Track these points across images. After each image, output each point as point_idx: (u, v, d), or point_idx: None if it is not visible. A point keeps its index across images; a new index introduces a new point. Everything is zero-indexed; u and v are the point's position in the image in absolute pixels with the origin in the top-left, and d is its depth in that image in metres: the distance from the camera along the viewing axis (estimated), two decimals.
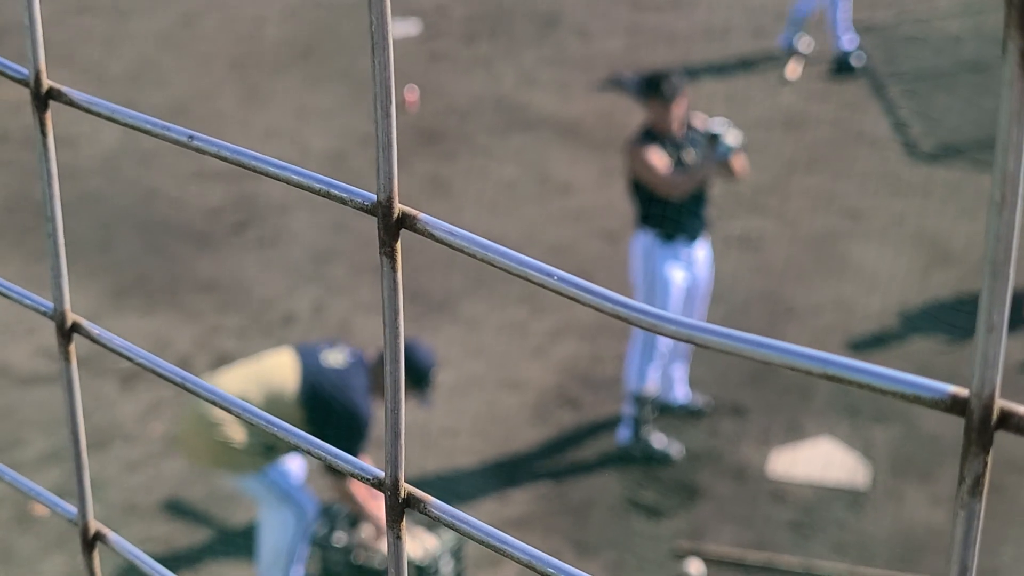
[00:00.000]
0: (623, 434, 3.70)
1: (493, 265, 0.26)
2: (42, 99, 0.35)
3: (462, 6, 7.31)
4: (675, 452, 3.63)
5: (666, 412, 3.79)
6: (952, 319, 4.24)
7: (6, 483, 0.45)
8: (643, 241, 3.57)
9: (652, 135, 3.50)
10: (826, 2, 6.51)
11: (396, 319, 0.27)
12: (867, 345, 4.16)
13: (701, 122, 3.61)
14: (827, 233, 5.00)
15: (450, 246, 0.26)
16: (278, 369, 2.89)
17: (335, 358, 2.94)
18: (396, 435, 0.28)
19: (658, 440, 3.64)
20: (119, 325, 4.24)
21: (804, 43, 6.56)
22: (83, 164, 5.51)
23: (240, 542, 3.41)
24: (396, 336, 0.28)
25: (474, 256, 0.26)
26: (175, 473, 3.70)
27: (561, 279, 0.24)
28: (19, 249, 5.06)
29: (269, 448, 2.83)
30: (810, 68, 6.48)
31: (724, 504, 3.53)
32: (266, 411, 0.33)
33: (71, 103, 0.35)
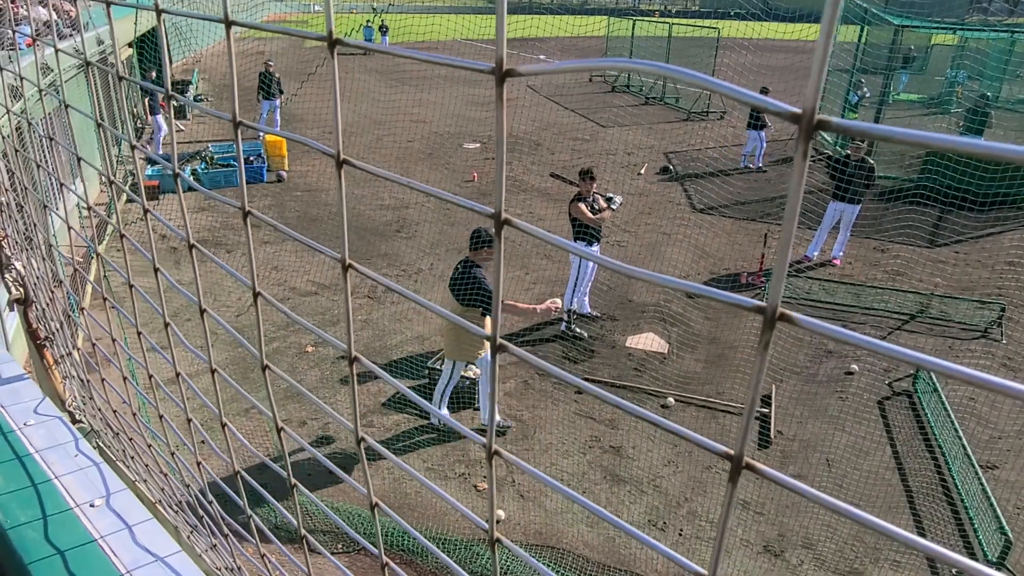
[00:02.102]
0: (563, 325, 7.93)
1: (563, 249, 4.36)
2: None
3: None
4: (585, 334, 7.90)
5: (581, 317, 8.08)
6: (710, 285, 9.04)
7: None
8: (578, 244, 7.82)
9: (581, 197, 7.75)
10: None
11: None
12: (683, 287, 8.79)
13: (602, 192, 7.98)
14: (655, 243, 9.76)
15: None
16: None
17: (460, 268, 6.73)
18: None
19: (577, 329, 7.90)
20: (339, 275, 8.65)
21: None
22: (331, 199, 11.44)
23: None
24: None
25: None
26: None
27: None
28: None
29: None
30: (650, 168, 12.03)
31: (605, 358, 7.84)
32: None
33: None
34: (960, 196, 10.69)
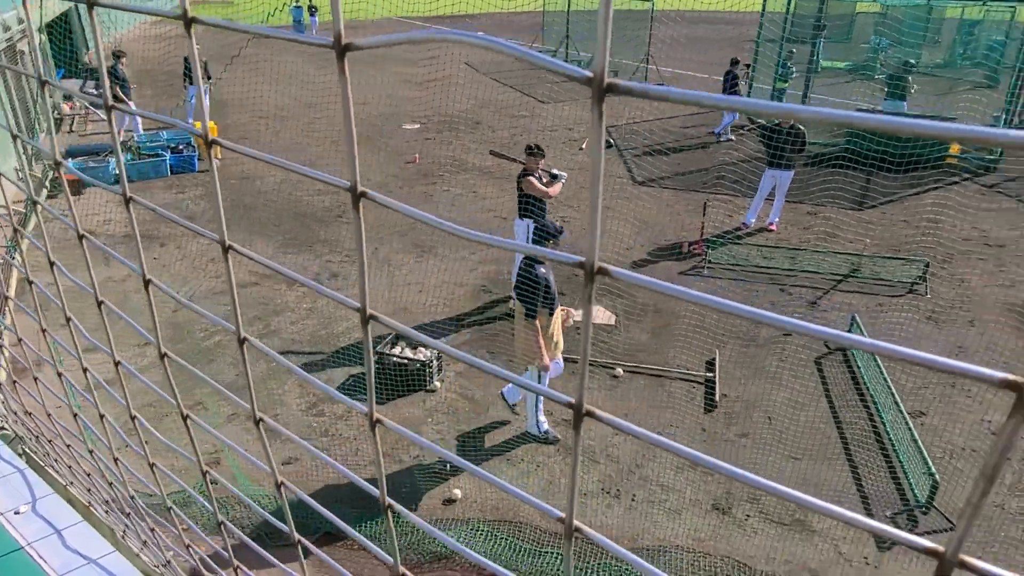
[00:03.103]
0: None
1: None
2: (599, 93, 0.46)
3: (438, 117, 15.27)
4: None
5: None
6: (653, 256, 9.20)
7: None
8: (524, 221, 7.82)
9: (528, 172, 7.76)
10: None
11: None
12: (631, 256, 8.95)
13: (546, 168, 8.00)
14: None
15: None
16: None
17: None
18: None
19: None
20: (286, 258, 8.37)
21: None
22: (266, 187, 11.12)
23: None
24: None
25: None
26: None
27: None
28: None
29: None
30: (592, 142, 12.25)
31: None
32: None
33: (631, 92, 2.32)
34: (883, 159, 11.13)
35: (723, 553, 4.86)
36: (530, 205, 7.65)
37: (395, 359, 6.52)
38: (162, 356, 0.96)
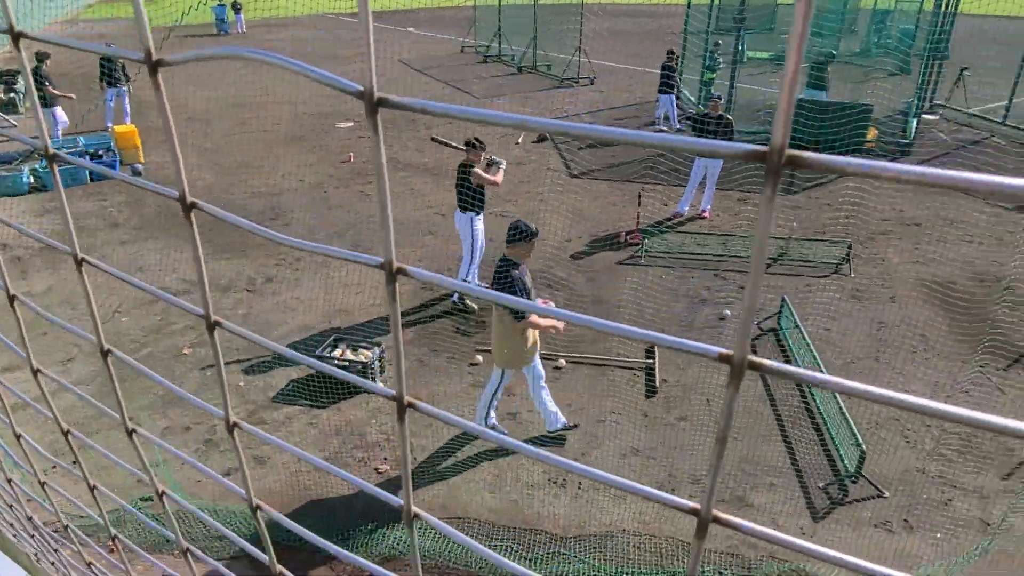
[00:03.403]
0: (455, 296, 7.95)
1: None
2: (371, 107, 0.49)
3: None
4: (476, 307, 7.97)
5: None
6: (590, 247, 9.31)
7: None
8: (467, 215, 7.78)
9: (470, 165, 7.72)
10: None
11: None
12: (569, 248, 9.02)
13: (486, 156, 8.00)
14: (535, 211, 9.93)
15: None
16: None
17: None
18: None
19: (468, 302, 7.95)
20: (219, 264, 8.04)
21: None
22: (196, 191, 10.36)
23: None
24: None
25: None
26: None
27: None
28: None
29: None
30: (526, 137, 12.07)
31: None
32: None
33: (402, 107, 0.50)
34: (808, 144, 11.56)
35: (668, 534, 4.99)
36: (472, 197, 7.63)
37: (336, 361, 6.42)
38: (105, 354, 0.91)
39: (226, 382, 0.75)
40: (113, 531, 0.96)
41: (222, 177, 11.66)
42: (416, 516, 0.65)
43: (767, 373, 0.43)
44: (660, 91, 14.13)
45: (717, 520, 0.50)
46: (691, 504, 0.49)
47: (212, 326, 0.66)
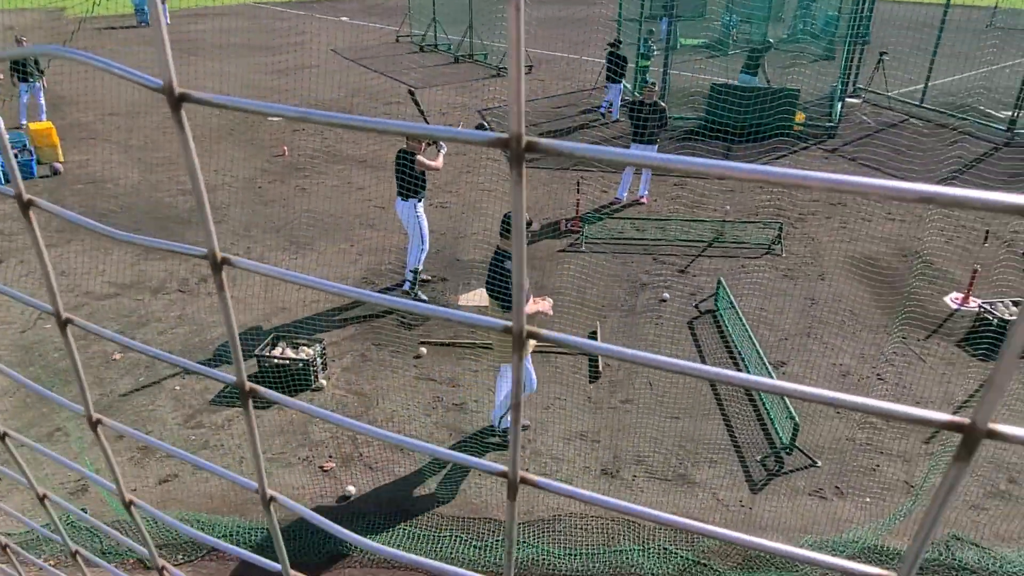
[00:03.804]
0: (406, 285, 7.87)
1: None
2: (175, 102, 0.46)
3: (305, 105, 15.48)
4: (425, 298, 7.92)
5: (418, 280, 8.08)
6: (534, 236, 9.38)
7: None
8: (409, 202, 7.69)
9: (411, 152, 7.59)
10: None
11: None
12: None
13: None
14: (477, 201, 9.91)
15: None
16: None
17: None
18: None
19: (420, 293, 7.89)
20: (148, 265, 7.85)
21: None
22: (122, 190, 10.29)
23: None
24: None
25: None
26: None
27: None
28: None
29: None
30: (465, 127, 11.82)
31: (440, 320, 7.95)
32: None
33: (207, 103, 0.48)
34: (740, 130, 11.89)
35: (614, 515, 5.09)
36: (414, 183, 7.55)
37: (276, 360, 6.29)
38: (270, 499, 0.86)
39: (84, 376, 0.73)
40: (73, 546, 0.91)
41: (149, 175, 11.22)
42: (272, 499, 0.67)
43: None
44: (608, 80, 14.28)
45: (524, 481, 0.53)
46: (500, 467, 0.52)
47: (64, 324, 0.65)
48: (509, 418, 5.83)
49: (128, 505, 0.82)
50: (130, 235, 0.60)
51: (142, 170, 11.43)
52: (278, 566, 0.75)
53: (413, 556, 0.64)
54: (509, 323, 0.49)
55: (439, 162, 7.54)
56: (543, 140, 0.43)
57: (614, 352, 0.48)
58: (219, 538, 4.75)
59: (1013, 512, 5.12)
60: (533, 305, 5.29)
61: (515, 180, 0.43)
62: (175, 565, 4.56)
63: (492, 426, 5.87)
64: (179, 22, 27.31)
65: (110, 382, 6.37)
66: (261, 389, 0.62)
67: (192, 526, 4.57)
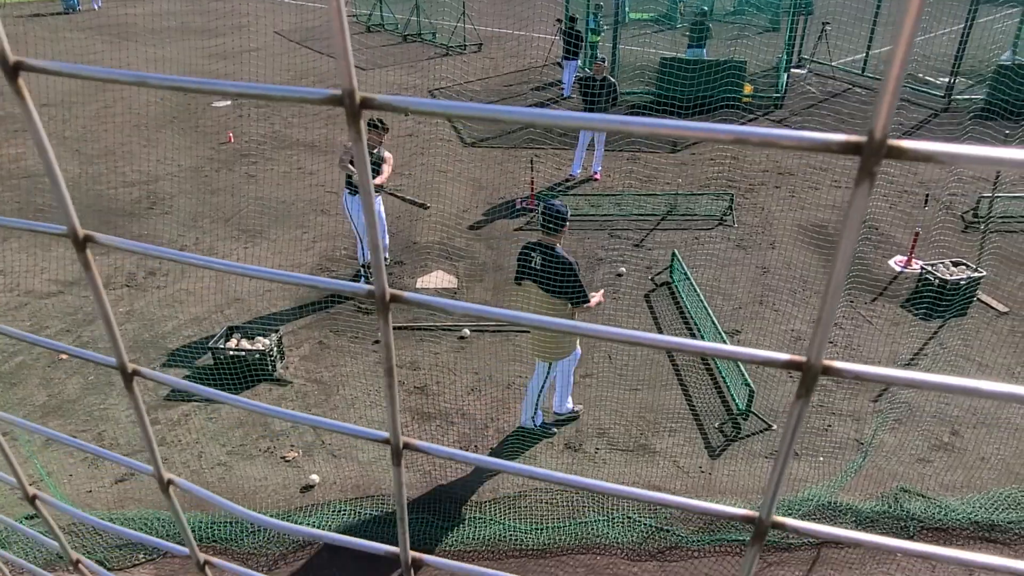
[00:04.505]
0: (361, 280, 7.78)
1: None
2: (11, 72, 0.42)
3: None
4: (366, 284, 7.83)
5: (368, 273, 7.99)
6: (488, 216, 9.33)
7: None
8: (357, 197, 7.58)
9: (374, 145, 7.43)
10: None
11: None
12: (467, 218, 8.98)
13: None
14: (432, 182, 9.83)
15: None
16: None
17: None
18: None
19: (370, 280, 7.80)
20: (97, 260, 7.88)
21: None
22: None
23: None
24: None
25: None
26: None
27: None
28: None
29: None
30: None
31: (400, 305, 7.90)
32: None
33: (44, 71, 0.44)
34: (690, 104, 12.00)
35: (578, 488, 5.16)
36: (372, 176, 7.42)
37: (231, 352, 6.17)
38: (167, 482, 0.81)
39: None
40: (74, 554, 0.87)
41: (88, 167, 10.79)
42: (171, 482, 0.67)
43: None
44: (564, 57, 14.24)
45: (408, 446, 0.55)
46: (384, 435, 0.54)
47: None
48: (571, 403, 5.77)
49: (32, 499, 0.79)
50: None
51: (81, 162, 10.99)
52: (183, 550, 0.75)
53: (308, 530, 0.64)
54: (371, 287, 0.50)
55: (389, 166, 7.51)
56: (379, 96, 0.43)
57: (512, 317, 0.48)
58: (177, 534, 4.66)
59: (956, 463, 5.37)
60: (597, 296, 5.21)
61: (353, 138, 0.43)
62: (134, 565, 4.48)
63: (543, 424, 5.69)
64: (111, 6, 26.19)
65: (58, 383, 6.17)
66: (144, 370, 0.61)
67: (152, 523, 4.48)
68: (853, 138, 0.37)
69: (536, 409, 5.52)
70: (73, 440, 0.76)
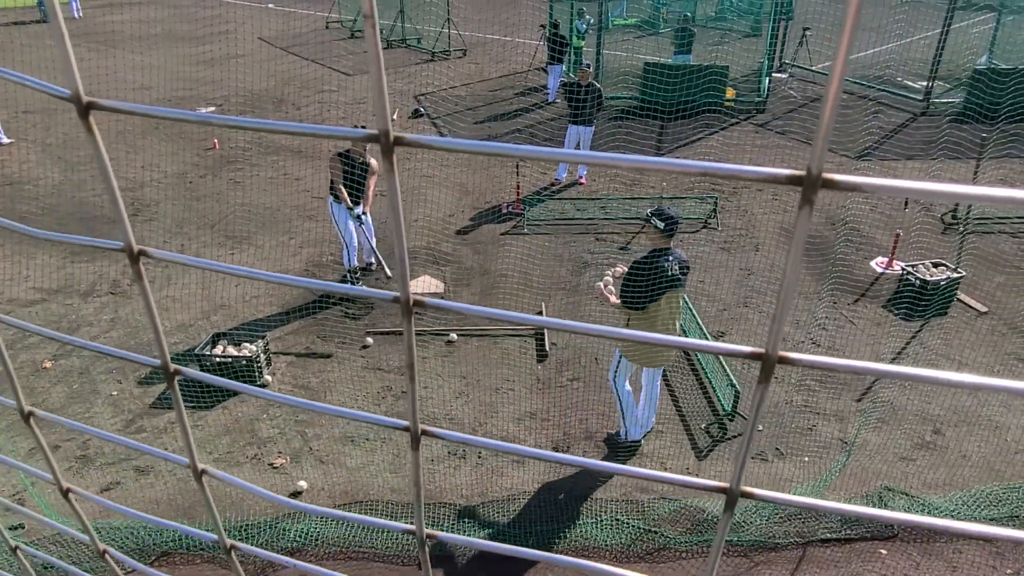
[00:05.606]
0: (345, 280, 7.77)
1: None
2: (83, 111, 0.49)
3: (237, 97, 14.35)
4: (365, 287, 7.83)
5: (363, 271, 8.00)
6: (475, 220, 9.36)
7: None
8: (342, 205, 7.58)
9: (359, 154, 7.42)
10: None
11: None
12: (453, 223, 8.99)
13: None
14: (418, 188, 9.84)
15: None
16: None
17: None
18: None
19: (358, 284, 7.80)
20: (77, 268, 7.68)
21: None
22: (43, 191, 9.82)
23: None
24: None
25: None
26: None
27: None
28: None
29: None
30: (402, 113, 11.81)
31: (385, 310, 7.88)
32: None
33: (115, 110, 0.51)
34: (674, 108, 12.10)
35: (567, 490, 5.19)
36: (356, 190, 7.43)
37: (217, 359, 6.15)
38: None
39: None
40: (101, 545, 0.88)
41: (71, 174, 10.71)
42: (204, 472, 0.70)
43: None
44: (549, 62, 14.34)
45: (426, 433, 0.60)
46: (404, 423, 0.57)
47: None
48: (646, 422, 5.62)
49: (66, 493, 0.81)
50: (48, 233, 0.61)
51: (63, 169, 10.90)
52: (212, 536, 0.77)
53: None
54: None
55: (375, 177, 7.55)
56: (409, 135, 0.49)
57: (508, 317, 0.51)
58: (168, 542, 4.64)
59: (939, 461, 5.45)
60: (614, 299, 5.23)
61: (387, 169, 0.48)
62: (129, 572, 4.45)
63: (634, 440, 5.60)
64: (93, 13, 26.01)
65: (42, 391, 6.12)
66: (185, 370, 0.64)
67: (140, 532, 4.45)
68: (796, 172, 0.45)
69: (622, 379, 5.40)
70: (116, 437, 0.79)
